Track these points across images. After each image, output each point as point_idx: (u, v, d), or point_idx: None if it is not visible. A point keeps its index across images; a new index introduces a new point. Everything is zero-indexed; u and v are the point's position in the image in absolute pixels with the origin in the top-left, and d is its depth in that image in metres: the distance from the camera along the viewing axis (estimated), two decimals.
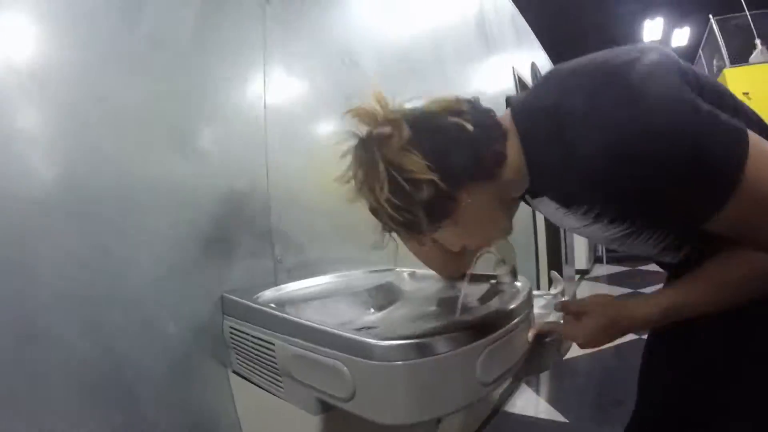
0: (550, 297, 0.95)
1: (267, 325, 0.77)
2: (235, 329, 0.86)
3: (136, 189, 0.79)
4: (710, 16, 8.75)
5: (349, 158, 0.67)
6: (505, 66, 3.17)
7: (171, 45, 0.87)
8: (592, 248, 6.95)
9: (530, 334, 0.76)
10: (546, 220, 3.84)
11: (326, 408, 0.73)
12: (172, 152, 0.86)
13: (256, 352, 0.81)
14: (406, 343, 0.56)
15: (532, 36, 4.66)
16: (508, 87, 3.13)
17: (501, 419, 2.29)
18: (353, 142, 0.66)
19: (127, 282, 0.76)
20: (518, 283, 0.87)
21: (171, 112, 0.87)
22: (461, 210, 0.64)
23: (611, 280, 6.24)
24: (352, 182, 0.66)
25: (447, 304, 0.90)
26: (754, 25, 8.77)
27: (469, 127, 0.60)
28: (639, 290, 4.90)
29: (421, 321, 0.85)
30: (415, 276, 1.07)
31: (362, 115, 0.65)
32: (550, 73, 0.65)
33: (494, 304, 0.80)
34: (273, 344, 0.75)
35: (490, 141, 0.63)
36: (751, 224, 0.56)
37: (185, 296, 0.84)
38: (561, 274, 0.92)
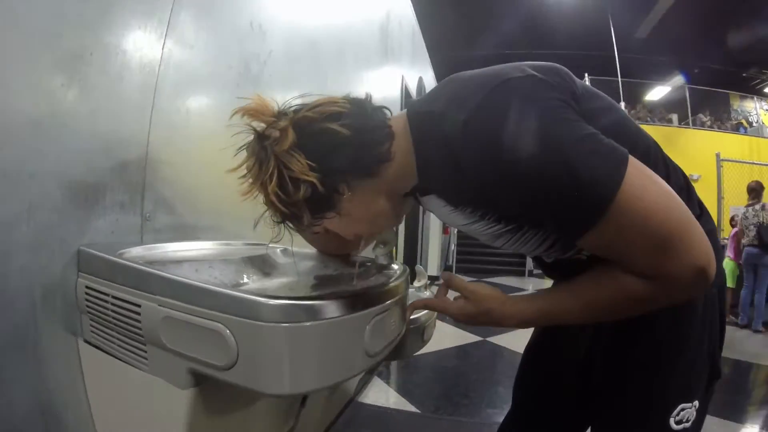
0: (413, 290, 1.01)
1: (133, 284, 0.68)
2: (93, 289, 0.75)
3: None
4: (586, 74, 9.93)
5: (244, 153, 0.70)
6: (396, 76, 3.39)
7: None
8: (444, 257, 7.49)
9: (409, 311, 0.79)
10: (407, 227, 4.19)
11: (197, 381, 0.67)
12: (53, 80, 0.73)
13: (117, 316, 0.71)
14: (296, 304, 0.53)
15: (425, 53, 5.03)
16: (395, 95, 3.36)
17: (355, 409, 2.36)
18: (250, 137, 0.69)
19: None
20: (395, 266, 0.89)
21: (65, 39, 0.75)
22: (344, 203, 0.68)
23: None
24: (247, 176, 0.68)
25: (324, 278, 0.89)
26: (621, 89, 10.08)
27: (345, 132, 0.64)
28: None
29: (301, 290, 0.82)
30: (287, 252, 1.03)
31: (253, 114, 0.68)
32: (448, 79, 0.69)
33: (378, 279, 0.80)
34: (139, 306, 0.66)
35: (371, 142, 0.67)
36: (618, 249, 0.58)
37: (37, 246, 0.71)
38: (415, 275, 1.00)
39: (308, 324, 0.53)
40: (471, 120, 0.57)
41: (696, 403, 0.73)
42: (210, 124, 1.09)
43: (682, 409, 0.71)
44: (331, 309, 0.55)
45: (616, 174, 0.54)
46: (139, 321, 0.67)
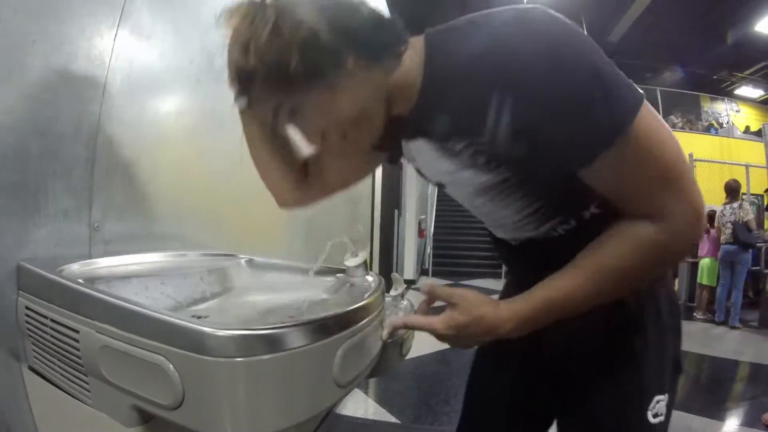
0: (389, 299, 0.93)
1: (71, 306, 0.59)
2: (33, 311, 0.66)
3: None
4: None
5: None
6: None
7: None
8: (420, 260, 7.43)
9: (386, 332, 0.69)
10: (381, 229, 4.06)
11: (146, 418, 0.58)
12: None
13: (57, 342, 0.62)
14: (250, 334, 0.45)
15: None
16: None
17: (333, 422, 2.26)
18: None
19: None
20: (369, 278, 0.81)
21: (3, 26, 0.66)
22: (341, 78, 0.53)
23: None
24: (233, 39, 0.54)
25: (293, 293, 0.80)
26: None
27: (366, 9, 0.54)
28: None
29: (264, 311, 0.73)
30: (254, 263, 0.93)
31: None
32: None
33: (348, 297, 0.72)
34: (77, 332, 0.58)
35: (388, 32, 0.56)
36: (625, 179, 0.55)
37: None
38: (391, 282, 0.91)
39: (266, 357, 0.44)
40: (501, 28, 0.54)
41: (666, 396, 0.71)
42: (166, 122, 1.01)
43: (657, 402, 0.70)
44: (293, 338, 0.47)
45: (638, 98, 0.53)
46: (78, 349, 0.58)
